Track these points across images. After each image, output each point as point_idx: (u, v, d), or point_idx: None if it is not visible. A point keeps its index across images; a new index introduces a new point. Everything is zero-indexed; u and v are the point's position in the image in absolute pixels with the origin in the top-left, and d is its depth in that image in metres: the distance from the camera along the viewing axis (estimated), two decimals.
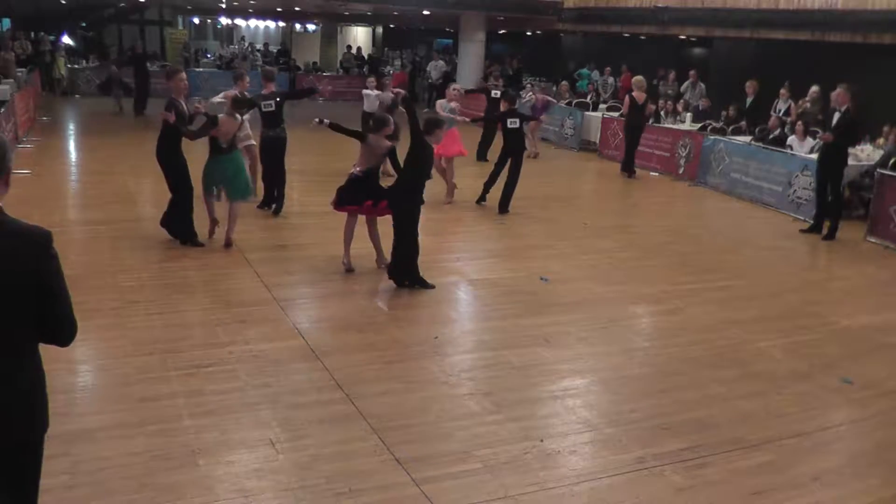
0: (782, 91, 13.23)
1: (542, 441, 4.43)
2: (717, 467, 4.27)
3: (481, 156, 13.45)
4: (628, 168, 13.31)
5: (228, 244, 7.72)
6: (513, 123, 9.95)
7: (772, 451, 4.47)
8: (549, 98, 15.97)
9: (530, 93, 16.56)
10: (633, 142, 13.24)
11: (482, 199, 10.30)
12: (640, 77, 13.55)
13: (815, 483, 4.19)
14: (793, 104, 12.92)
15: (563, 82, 18.01)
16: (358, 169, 7.09)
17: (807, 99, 12.39)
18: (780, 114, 12.93)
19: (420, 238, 6.86)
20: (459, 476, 4.03)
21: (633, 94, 13.19)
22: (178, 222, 7.72)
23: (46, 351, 2.62)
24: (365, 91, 12.53)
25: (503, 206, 9.99)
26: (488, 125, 13.27)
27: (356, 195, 7.06)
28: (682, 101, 15.58)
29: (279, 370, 5.16)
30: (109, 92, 18.29)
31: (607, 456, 4.34)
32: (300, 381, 5.06)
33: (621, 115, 13.96)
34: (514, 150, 9.96)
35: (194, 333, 5.72)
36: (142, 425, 4.34)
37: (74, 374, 4.99)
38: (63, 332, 2.59)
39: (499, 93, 10.89)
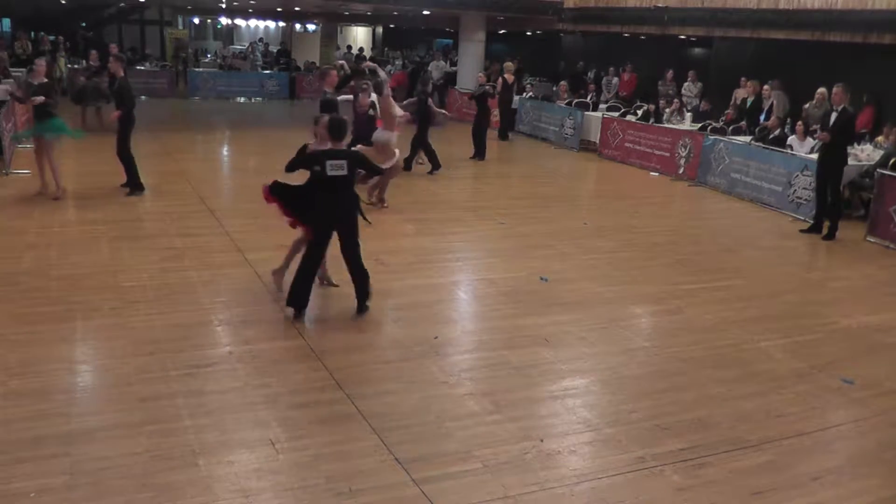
0: (765, 88, 13.20)
1: (542, 441, 4.43)
2: (717, 467, 4.27)
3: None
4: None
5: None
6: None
7: (772, 451, 4.47)
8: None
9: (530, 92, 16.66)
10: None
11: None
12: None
13: (815, 483, 4.19)
14: (775, 103, 12.88)
15: (562, 82, 18.00)
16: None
17: (814, 102, 12.36)
18: (763, 116, 12.91)
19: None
20: (459, 476, 4.03)
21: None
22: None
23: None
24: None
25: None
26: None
27: None
28: (684, 98, 15.55)
29: (279, 370, 5.16)
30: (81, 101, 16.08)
31: (607, 456, 4.34)
32: (300, 381, 5.06)
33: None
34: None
35: (194, 333, 5.72)
36: (142, 425, 4.34)
37: (74, 374, 4.99)
38: None
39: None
